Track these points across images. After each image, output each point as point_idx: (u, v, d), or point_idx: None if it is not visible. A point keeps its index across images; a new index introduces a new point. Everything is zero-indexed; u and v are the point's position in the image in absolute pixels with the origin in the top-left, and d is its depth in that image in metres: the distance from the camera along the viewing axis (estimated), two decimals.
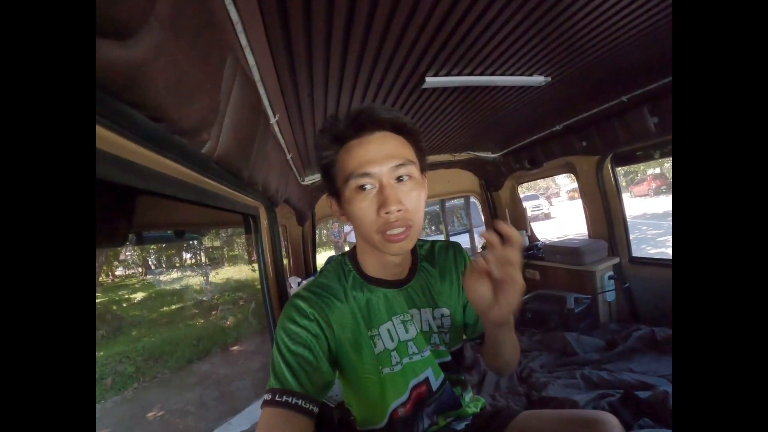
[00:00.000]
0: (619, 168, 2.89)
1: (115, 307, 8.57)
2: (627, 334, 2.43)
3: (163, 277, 12.30)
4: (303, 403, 0.78)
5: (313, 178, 3.30)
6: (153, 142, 0.60)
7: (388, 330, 0.95)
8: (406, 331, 0.96)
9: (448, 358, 1.04)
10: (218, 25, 0.66)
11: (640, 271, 2.83)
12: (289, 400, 0.77)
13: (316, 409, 0.80)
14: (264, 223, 1.78)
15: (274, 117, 1.35)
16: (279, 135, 1.57)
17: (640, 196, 20.13)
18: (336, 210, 0.91)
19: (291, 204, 2.53)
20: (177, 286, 10.90)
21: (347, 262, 0.99)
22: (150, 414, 4.32)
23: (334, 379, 0.92)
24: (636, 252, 2.94)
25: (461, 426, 1.06)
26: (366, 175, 0.80)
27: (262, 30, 0.99)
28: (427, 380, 1.00)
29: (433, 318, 1.00)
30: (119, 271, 12.01)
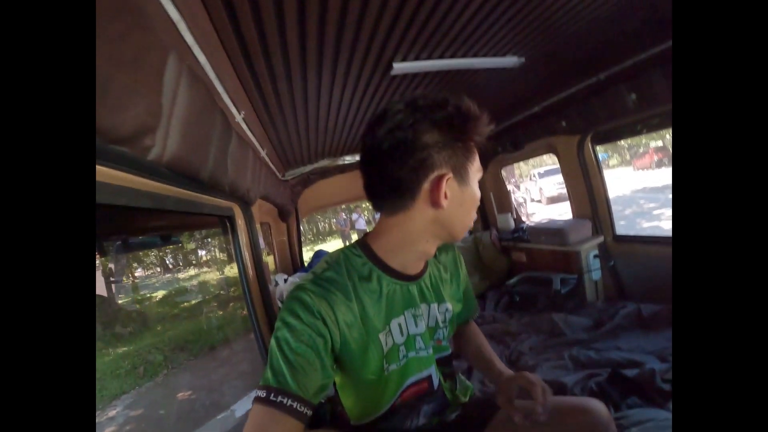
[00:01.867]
0: (622, 141, 2.91)
1: (138, 306, 9.13)
2: (614, 312, 2.44)
3: (181, 275, 12.75)
4: (299, 406, 0.74)
5: (294, 173, 3.25)
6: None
7: (399, 324, 0.92)
8: (416, 326, 0.94)
9: (448, 352, 1.04)
10: (151, 27, 0.62)
11: (625, 249, 2.84)
12: (285, 401, 0.73)
13: (309, 413, 0.76)
14: (240, 222, 1.75)
15: (239, 114, 1.31)
16: (248, 132, 1.53)
17: (643, 168, 19.92)
18: (442, 191, 0.82)
19: (270, 201, 2.50)
20: (194, 282, 11.38)
21: (361, 254, 0.92)
22: (180, 394, 4.75)
23: (331, 382, 0.87)
24: (631, 226, 2.95)
25: (452, 416, 1.06)
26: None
27: (210, 27, 0.95)
28: (429, 377, 0.99)
29: (440, 312, 1.00)
30: (138, 272, 12.10)
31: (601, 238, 2.94)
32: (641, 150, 21.22)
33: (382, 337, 0.89)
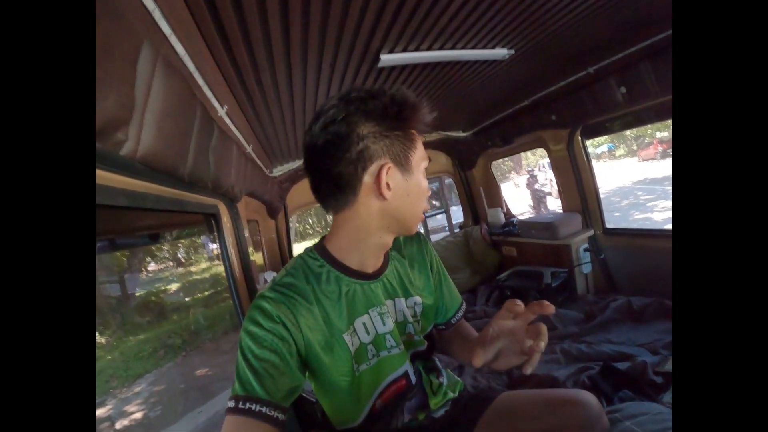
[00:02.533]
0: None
1: (153, 298, 9.60)
2: (604, 305, 2.45)
3: (193, 268, 13.05)
4: (268, 410, 0.74)
5: (282, 169, 3.21)
6: None
7: (364, 324, 0.92)
8: (383, 324, 0.94)
9: (424, 346, 1.03)
10: (122, 14, 0.59)
11: (615, 242, 2.85)
12: (253, 407, 0.74)
13: (281, 417, 0.76)
14: (225, 220, 1.71)
15: (222, 108, 1.27)
16: (232, 127, 1.49)
17: (648, 159, 20.06)
18: (385, 182, 0.82)
19: (257, 197, 2.46)
20: (206, 276, 11.67)
21: (317, 257, 0.93)
22: (198, 372, 5.46)
23: (302, 384, 0.87)
24: (624, 218, 2.97)
25: (440, 412, 1.05)
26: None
27: (188, 16, 0.91)
28: (406, 374, 0.98)
29: (408, 306, 0.99)
30: (152, 266, 12.35)
31: (591, 232, 2.95)
32: (646, 140, 21.32)
33: (346, 337, 0.89)
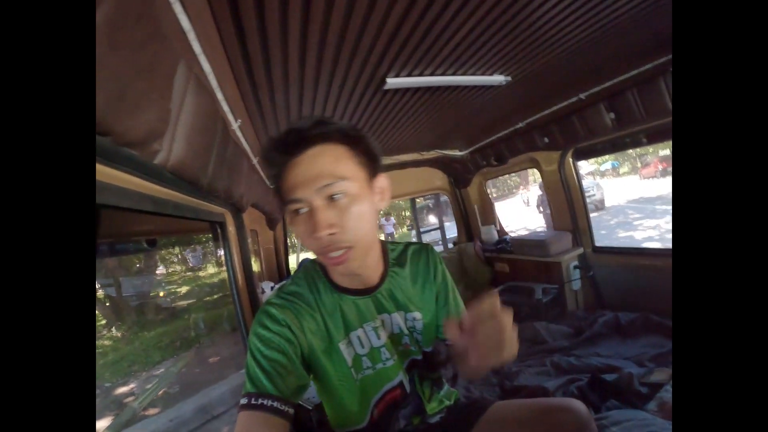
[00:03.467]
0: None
1: (164, 297, 10.35)
2: (593, 320, 2.51)
3: (201, 273, 13.49)
4: (279, 405, 0.77)
5: None
6: (102, 155, 0.60)
7: (359, 337, 0.95)
8: (378, 338, 0.96)
9: (418, 356, 1.04)
10: (166, 35, 0.65)
11: (603, 260, 2.93)
12: (265, 402, 0.77)
13: (291, 411, 0.79)
14: (231, 229, 1.76)
15: (236, 122, 1.34)
16: (242, 140, 1.56)
17: (648, 177, 20.21)
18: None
19: (259, 208, 2.51)
20: (215, 280, 12.07)
21: (317, 269, 0.97)
22: (211, 359, 5.96)
23: (309, 383, 0.91)
24: (609, 236, 3.04)
25: (435, 419, 1.07)
26: (296, 200, 0.78)
27: (216, 37, 0.98)
28: (401, 383, 1.00)
29: (405, 321, 1.00)
30: (160, 270, 12.52)
31: (581, 250, 3.03)
32: (648, 158, 21.49)
33: (342, 346, 0.93)
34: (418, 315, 1.01)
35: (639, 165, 23.05)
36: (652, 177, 19.99)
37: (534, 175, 16.43)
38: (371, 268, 0.96)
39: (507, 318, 0.65)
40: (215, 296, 10.30)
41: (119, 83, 0.51)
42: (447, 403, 1.11)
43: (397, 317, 0.99)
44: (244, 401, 0.78)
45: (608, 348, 2.20)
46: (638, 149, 18.06)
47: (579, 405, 0.98)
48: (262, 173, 2.33)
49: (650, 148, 19.11)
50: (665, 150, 20.24)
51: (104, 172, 0.64)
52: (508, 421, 1.04)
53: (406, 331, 1.00)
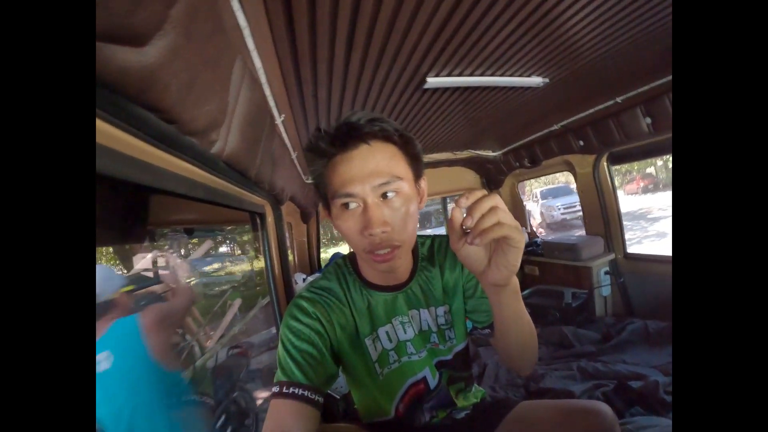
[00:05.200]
0: (615, 167, 2.94)
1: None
2: (621, 327, 2.48)
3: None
4: (309, 393, 0.80)
5: None
6: (166, 142, 0.63)
7: (387, 332, 0.97)
8: (405, 332, 0.98)
9: (448, 356, 1.04)
10: (227, 30, 0.69)
11: (635, 267, 2.88)
12: (296, 391, 0.79)
13: (321, 399, 0.82)
14: (270, 220, 1.82)
15: (280, 117, 1.40)
16: (284, 134, 1.61)
17: (631, 194, 20.68)
18: (331, 220, 0.88)
19: (296, 202, 2.57)
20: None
21: (348, 265, 1.00)
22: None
23: (338, 373, 0.94)
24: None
25: (461, 415, 1.08)
26: (349, 195, 0.77)
27: (268, 34, 1.03)
28: (425, 379, 1.02)
29: (435, 317, 1.00)
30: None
31: (612, 256, 2.98)
32: (635, 174, 21.84)
33: (369, 341, 0.96)
34: (446, 308, 1.02)
35: (620, 182, 22.93)
36: (635, 193, 20.52)
37: (530, 185, 16.22)
38: (404, 264, 0.96)
39: (495, 196, 0.63)
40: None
41: (189, 74, 0.54)
42: (474, 401, 1.12)
43: (426, 313, 1.00)
44: (275, 389, 0.81)
45: (635, 356, 2.17)
46: (626, 166, 17.93)
47: (605, 408, 0.97)
48: (299, 168, 2.40)
49: (636, 165, 19.54)
50: (649, 167, 20.85)
51: (164, 159, 0.67)
52: (533, 420, 1.03)
53: (434, 328, 1.01)
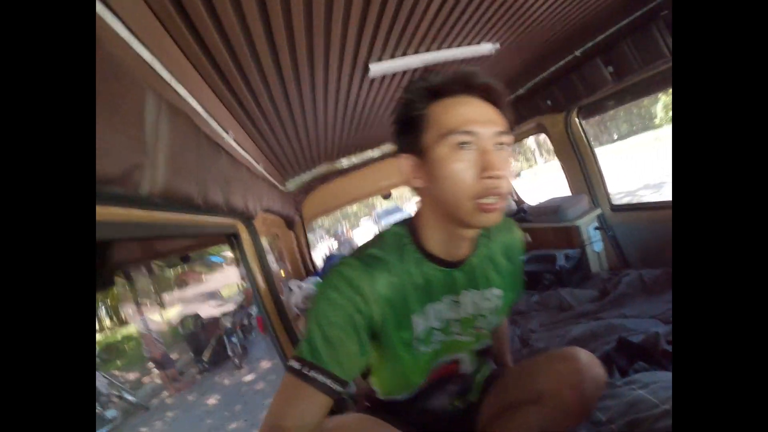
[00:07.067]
0: (589, 119, 2.91)
1: None
2: (617, 281, 2.47)
3: None
4: (331, 383, 0.74)
5: (296, 181, 3.31)
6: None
7: (436, 309, 0.91)
8: (453, 312, 0.93)
9: (489, 342, 1.04)
10: (126, 73, 0.66)
11: (623, 218, 2.87)
12: (318, 377, 0.73)
13: (341, 390, 0.75)
14: (245, 236, 1.80)
15: (227, 134, 1.36)
16: (240, 150, 1.58)
17: None
18: (408, 171, 0.84)
19: (274, 212, 2.55)
20: None
21: (406, 233, 0.90)
22: None
23: (366, 364, 0.87)
24: None
25: (465, 405, 1.10)
26: (469, 133, 0.75)
27: (185, 61, 0.99)
28: (457, 360, 1.01)
29: (485, 299, 0.97)
30: None
31: (598, 210, 2.97)
32: None
33: (416, 318, 0.88)
34: (499, 292, 0.99)
35: None
36: None
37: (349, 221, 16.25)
38: (470, 237, 0.90)
39: None
40: None
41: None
42: (480, 379, 1.13)
43: (479, 295, 0.96)
44: (296, 365, 0.75)
45: (634, 308, 2.16)
46: None
47: (579, 351, 0.98)
48: (270, 177, 2.36)
49: None
50: None
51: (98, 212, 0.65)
52: (514, 377, 1.06)
53: (483, 311, 0.97)
